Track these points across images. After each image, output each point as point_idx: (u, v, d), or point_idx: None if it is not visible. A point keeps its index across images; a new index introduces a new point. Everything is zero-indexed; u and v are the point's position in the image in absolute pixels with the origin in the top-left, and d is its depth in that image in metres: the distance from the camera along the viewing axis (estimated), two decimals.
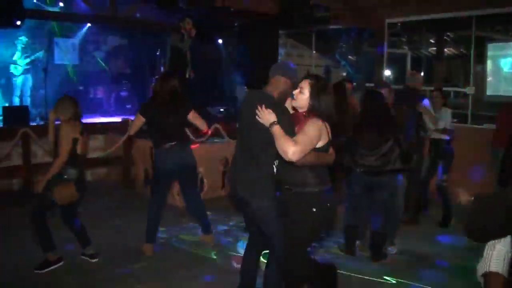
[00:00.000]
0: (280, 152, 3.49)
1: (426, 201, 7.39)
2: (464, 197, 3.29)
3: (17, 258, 5.45)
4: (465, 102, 9.70)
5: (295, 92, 3.74)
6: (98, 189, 8.65)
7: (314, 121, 3.60)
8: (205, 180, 7.82)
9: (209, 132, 7.65)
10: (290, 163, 3.56)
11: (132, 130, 5.61)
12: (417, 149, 6.41)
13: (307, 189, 3.68)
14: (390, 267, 5.43)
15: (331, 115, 3.70)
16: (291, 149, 3.42)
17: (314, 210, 3.65)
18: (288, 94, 3.84)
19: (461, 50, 12.72)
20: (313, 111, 3.64)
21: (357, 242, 5.84)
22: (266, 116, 3.57)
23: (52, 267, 5.12)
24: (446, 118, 6.84)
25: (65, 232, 5.45)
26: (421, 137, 6.70)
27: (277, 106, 3.71)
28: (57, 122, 5.16)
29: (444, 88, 7.80)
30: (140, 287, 4.86)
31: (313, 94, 3.64)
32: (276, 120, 3.54)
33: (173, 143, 5.42)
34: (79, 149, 5.06)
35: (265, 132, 3.58)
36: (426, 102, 6.86)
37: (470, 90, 9.27)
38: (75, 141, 4.99)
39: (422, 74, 7.51)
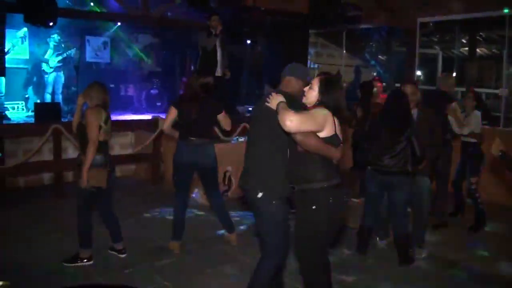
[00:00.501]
0: (281, 123, 3.44)
1: (459, 205, 7.23)
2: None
3: (46, 251, 5.54)
4: (497, 104, 9.51)
5: (306, 89, 3.76)
6: (127, 185, 8.77)
7: (320, 108, 3.60)
8: (233, 179, 7.83)
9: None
10: (297, 159, 3.59)
11: (165, 124, 5.53)
12: (443, 152, 6.33)
13: (309, 185, 3.61)
14: (416, 272, 5.35)
15: (339, 109, 3.66)
16: (289, 117, 3.38)
17: (314, 207, 3.57)
18: (300, 93, 3.83)
19: (494, 50, 12.46)
20: (320, 104, 3.63)
21: (382, 242, 5.83)
22: (275, 98, 3.59)
23: (80, 263, 5.19)
24: (475, 123, 6.58)
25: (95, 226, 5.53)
26: (447, 140, 6.58)
27: (292, 100, 3.71)
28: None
29: (476, 89, 7.64)
30: (166, 284, 4.89)
31: (322, 89, 3.65)
32: (284, 101, 3.54)
33: (196, 138, 5.45)
34: (102, 137, 5.08)
35: (275, 129, 3.59)
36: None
37: (502, 91, 9.07)
38: (100, 128, 5.04)
39: (454, 75, 7.30)
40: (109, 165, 5.22)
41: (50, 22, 8.43)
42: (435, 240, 6.20)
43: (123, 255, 5.46)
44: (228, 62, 8.99)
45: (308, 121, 3.46)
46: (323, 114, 3.55)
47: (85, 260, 5.22)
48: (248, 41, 11.27)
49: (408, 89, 5.47)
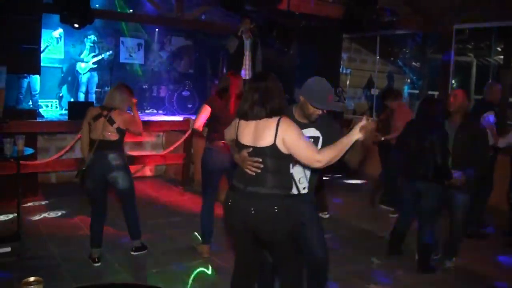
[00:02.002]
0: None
1: None
2: None
3: (74, 247, 5.59)
4: None
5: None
6: (156, 185, 8.84)
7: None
8: None
9: None
10: None
11: (198, 123, 5.33)
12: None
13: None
14: (437, 283, 5.22)
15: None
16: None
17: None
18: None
19: None
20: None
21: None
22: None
23: (93, 263, 5.21)
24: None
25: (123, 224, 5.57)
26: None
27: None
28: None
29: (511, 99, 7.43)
30: (194, 284, 4.88)
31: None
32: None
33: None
34: (91, 134, 5.08)
35: None
36: (491, 117, 6.38)
37: None
38: (89, 125, 5.08)
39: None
40: (93, 166, 5.12)
41: (85, 23, 8.54)
42: (467, 251, 6.06)
43: (137, 253, 5.49)
44: (260, 69, 8.97)
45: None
46: None
47: (94, 261, 5.21)
48: (282, 45, 11.24)
49: (452, 96, 5.38)
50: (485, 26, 9.81)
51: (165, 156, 9.00)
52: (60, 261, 5.24)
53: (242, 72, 8.74)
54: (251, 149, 3.31)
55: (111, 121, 5.08)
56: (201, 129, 5.40)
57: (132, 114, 5.34)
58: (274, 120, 3.27)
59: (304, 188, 3.81)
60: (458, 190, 5.20)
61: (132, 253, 5.48)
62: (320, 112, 3.58)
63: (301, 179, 3.78)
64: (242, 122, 3.39)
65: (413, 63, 14.12)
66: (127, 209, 5.46)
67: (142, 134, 5.61)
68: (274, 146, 3.25)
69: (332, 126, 3.77)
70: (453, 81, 10.64)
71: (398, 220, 5.73)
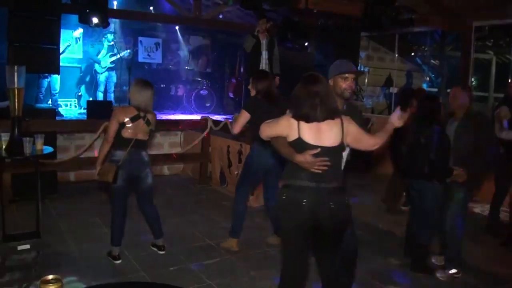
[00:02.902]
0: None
1: None
2: None
3: (94, 245, 5.63)
4: None
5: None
6: (174, 183, 8.88)
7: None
8: None
9: None
10: None
11: (237, 128, 5.42)
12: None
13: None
14: (456, 285, 5.12)
15: None
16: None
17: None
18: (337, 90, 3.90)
19: None
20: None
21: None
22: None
23: (113, 261, 5.26)
24: None
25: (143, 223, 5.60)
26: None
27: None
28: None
29: None
30: (211, 283, 4.89)
31: None
32: None
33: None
34: (125, 134, 5.09)
35: None
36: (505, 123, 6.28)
37: None
38: (122, 125, 5.08)
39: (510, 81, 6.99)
40: (130, 163, 5.16)
41: (103, 23, 8.62)
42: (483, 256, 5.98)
43: (162, 252, 5.52)
44: (279, 70, 8.96)
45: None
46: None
47: (115, 259, 5.27)
48: (299, 44, 11.21)
49: (453, 92, 5.30)
50: (505, 23, 9.67)
51: (183, 154, 9.02)
52: (79, 258, 5.29)
53: None
54: (319, 149, 3.40)
55: (148, 123, 5.20)
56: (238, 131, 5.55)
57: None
58: (337, 121, 3.46)
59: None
60: (458, 187, 5.06)
61: (160, 252, 5.51)
62: (350, 84, 3.86)
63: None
64: (303, 123, 3.45)
65: (432, 61, 14.00)
66: (149, 205, 5.50)
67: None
68: (341, 145, 3.48)
69: (358, 115, 3.93)
70: (473, 79, 10.54)
71: (409, 219, 5.68)
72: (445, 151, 5.01)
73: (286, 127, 3.51)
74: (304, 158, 3.40)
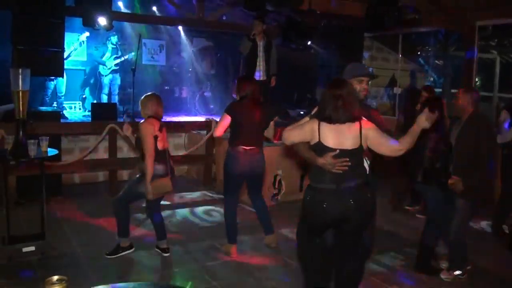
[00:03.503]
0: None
1: None
2: None
3: (99, 246, 5.61)
4: None
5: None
6: (179, 185, 8.86)
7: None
8: (283, 182, 7.80)
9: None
10: None
11: (218, 130, 5.40)
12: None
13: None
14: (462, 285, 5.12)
15: None
16: None
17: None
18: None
19: None
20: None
21: None
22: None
23: (122, 253, 5.36)
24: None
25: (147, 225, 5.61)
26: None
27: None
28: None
29: None
30: (215, 284, 4.89)
31: None
32: None
33: (252, 147, 5.43)
34: (159, 145, 5.19)
35: None
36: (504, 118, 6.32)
37: None
38: (155, 138, 5.13)
39: None
40: (171, 171, 5.34)
41: (107, 25, 8.65)
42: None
43: (166, 254, 5.51)
44: (276, 71, 8.98)
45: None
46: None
47: (126, 249, 5.40)
48: (302, 45, 11.23)
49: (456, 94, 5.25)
50: (508, 23, 9.65)
51: (187, 156, 9.04)
52: (83, 260, 5.30)
53: (257, 74, 8.77)
54: (337, 151, 3.60)
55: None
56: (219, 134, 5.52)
57: None
58: (356, 124, 3.62)
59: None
60: (460, 195, 5.00)
61: (164, 254, 5.52)
62: (365, 87, 4.07)
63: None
64: (325, 125, 3.64)
65: (436, 61, 13.98)
66: (156, 210, 5.53)
67: None
68: (360, 147, 3.64)
69: (371, 115, 3.97)
70: (477, 79, 10.52)
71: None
72: (441, 156, 5.02)
73: (310, 132, 3.72)
74: (325, 160, 3.60)
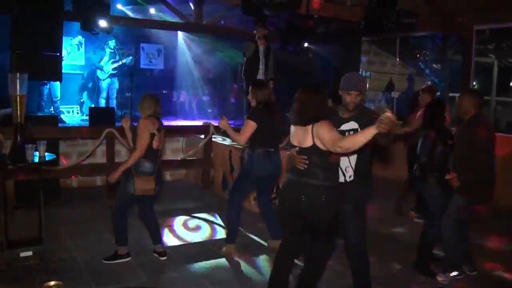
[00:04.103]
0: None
1: None
2: None
3: (96, 250, 5.58)
4: None
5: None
6: (177, 189, 8.88)
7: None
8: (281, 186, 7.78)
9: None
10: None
11: (245, 138, 5.42)
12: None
13: None
14: None
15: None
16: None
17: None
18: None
19: None
20: None
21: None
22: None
23: (119, 260, 5.33)
24: None
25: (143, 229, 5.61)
26: None
27: None
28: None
29: None
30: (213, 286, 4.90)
31: None
32: None
33: (272, 149, 5.50)
34: (155, 145, 5.17)
35: None
36: None
37: None
38: (152, 136, 5.13)
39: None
40: (158, 172, 5.31)
41: (106, 30, 8.67)
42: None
43: (163, 258, 5.50)
44: (273, 74, 9.02)
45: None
46: None
47: (124, 257, 5.37)
48: (302, 48, 11.26)
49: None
50: (506, 27, 9.68)
51: (185, 160, 9.03)
52: (81, 265, 5.29)
53: (257, 76, 8.81)
54: (297, 148, 3.98)
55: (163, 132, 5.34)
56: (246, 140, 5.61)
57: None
58: (309, 126, 3.86)
59: (350, 176, 4.23)
60: (456, 190, 5.02)
61: (161, 258, 5.51)
62: (353, 100, 4.13)
63: (347, 168, 4.22)
64: (292, 126, 4.07)
65: (434, 64, 13.99)
66: (149, 214, 5.52)
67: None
68: (314, 146, 3.86)
69: (371, 118, 3.98)
70: (474, 83, 10.53)
71: None
72: (437, 156, 5.05)
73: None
74: (291, 153, 4.04)
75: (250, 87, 5.70)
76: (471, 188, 4.98)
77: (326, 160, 3.89)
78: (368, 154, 4.27)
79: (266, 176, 5.60)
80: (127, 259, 5.39)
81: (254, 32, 8.83)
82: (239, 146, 7.66)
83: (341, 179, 4.20)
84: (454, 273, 5.15)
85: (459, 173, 4.95)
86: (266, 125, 5.40)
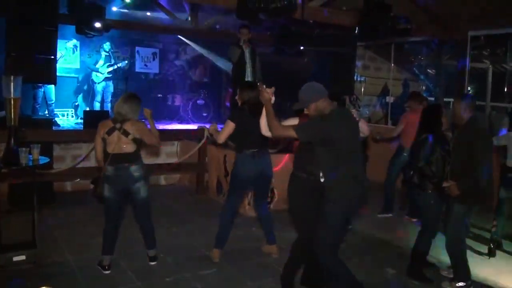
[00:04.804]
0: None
1: None
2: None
3: (89, 255, 5.56)
4: None
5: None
6: (171, 193, 8.87)
7: None
8: (275, 190, 7.79)
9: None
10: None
11: (223, 137, 5.52)
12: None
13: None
14: None
15: None
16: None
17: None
18: None
19: None
20: None
21: None
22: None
23: (102, 271, 5.22)
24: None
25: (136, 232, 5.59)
26: None
27: None
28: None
29: None
30: None
31: None
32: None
33: (256, 149, 5.48)
34: (108, 148, 5.08)
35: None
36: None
37: None
38: (103, 140, 5.08)
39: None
40: (112, 178, 5.14)
41: (101, 33, 8.67)
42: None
43: (153, 263, 5.50)
44: (261, 77, 9.02)
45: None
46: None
47: (105, 269, 5.23)
48: (295, 53, 11.27)
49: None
50: (501, 33, 9.72)
51: (179, 164, 9.02)
52: (75, 269, 5.27)
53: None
54: None
55: (126, 133, 5.08)
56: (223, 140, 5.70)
57: (144, 122, 5.39)
58: None
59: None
60: (454, 201, 5.00)
61: (150, 262, 5.49)
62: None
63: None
64: None
65: (429, 70, 14.03)
66: (143, 219, 5.49)
67: (159, 145, 5.61)
68: None
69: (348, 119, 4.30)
70: (469, 88, 10.56)
71: None
72: (435, 162, 5.03)
73: None
74: None
75: (238, 89, 5.70)
76: (471, 195, 4.97)
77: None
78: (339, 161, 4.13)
79: (253, 177, 5.57)
80: (106, 272, 5.21)
81: (239, 35, 8.81)
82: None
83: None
84: (460, 284, 5.10)
85: (458, 181, 4.90)
86: (248, 126, 5.34)
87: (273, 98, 4.40)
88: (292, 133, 4.13)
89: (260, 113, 5.40)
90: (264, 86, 4.38)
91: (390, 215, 7.80)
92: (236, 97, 5.69)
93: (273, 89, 4.34)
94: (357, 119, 4.52)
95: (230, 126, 5.44)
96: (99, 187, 5.13)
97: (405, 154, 7.13)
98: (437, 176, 5.03)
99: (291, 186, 4.65)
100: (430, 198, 5.15)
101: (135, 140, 5.15)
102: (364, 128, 4.81)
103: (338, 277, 4.30)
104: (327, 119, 4.12)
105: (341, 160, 4.07)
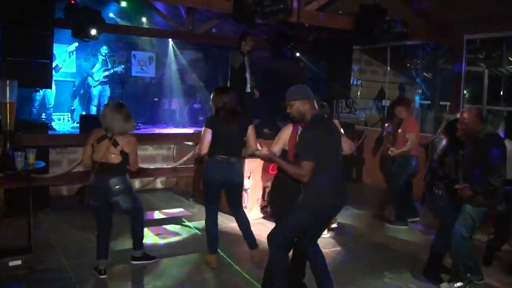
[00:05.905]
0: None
1: None
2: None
3: (85, 260, 5.54)
4: None
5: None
6: (167, 197, 8.86)
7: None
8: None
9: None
10: None
11: (205, 147, 5.38)
12: None
13: None
14: None
15: None
16: None
17: None
18: None
19: None
20: None
21: None
22: None
23: (98, 275, 5.19)
24: None
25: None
26: None
27: None
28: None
29: None
30: None
31: None
32: None
33: (230, 156, 5.43)
34: (95, 156, 5.07)
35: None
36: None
37: None
38: (92, 147, 5.08)
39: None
40: (94, 188, 5.14)
41: (96, 37, 8.68)
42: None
43: (136, 262, 5.52)
44: (255, 83, 9.04)
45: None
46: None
47: (100, 274, 5.18)
48: (291, 57, 11.28)
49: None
50: (496, 36, 9.75)
51: (176, 168, 9.01)
52: (71, 274, 5.25)
53: (246, 87, 8.84)
54: None
55: (115, 143, 5.07)
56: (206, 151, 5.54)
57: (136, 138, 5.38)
58: None
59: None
60: (466, 201, 4.98)
61: (133, 261, 5.51)
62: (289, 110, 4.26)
63: None
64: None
65: (424, 73, 14.06)
66: (134, 222, 5.52)
67: (135, 169, 5.43)
68: None
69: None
70: (465, 92, 10.58)
71: None
72: (447, 163, 5.10)
73: None
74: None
75: (212, 94, 5.60)
76: (483, 196, 4.93)
77: None
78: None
79: (221, 183, 5.52)
80: (103, 276, 5.16)
81: (243, 43, 8.77)
82: None
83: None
84: (458, 284, 5.09)
85: (471, 184, 4.87)
86: (222, 132, 5.33)
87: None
88: (305, 165, 3.95)
89: (235, 118, 5.39)
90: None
91: (418, 219, 7.68)
92: (210, 103, 5.62)
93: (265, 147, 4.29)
94: (341, 133, 4.61)
95: (207, 133, 5.35)
96: (85, 198, 5.15)
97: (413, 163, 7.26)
98: (449, 177, 5.06)
99: (274, 192, 4.91)
100: (441, 200, 5.18)
101: (122, 153, 5.12)
102: (346, 146, 4.84)
103: (276, 277, 4.31)
104: (310, 128, 4.09)
105: (320, 169, 3.99)
